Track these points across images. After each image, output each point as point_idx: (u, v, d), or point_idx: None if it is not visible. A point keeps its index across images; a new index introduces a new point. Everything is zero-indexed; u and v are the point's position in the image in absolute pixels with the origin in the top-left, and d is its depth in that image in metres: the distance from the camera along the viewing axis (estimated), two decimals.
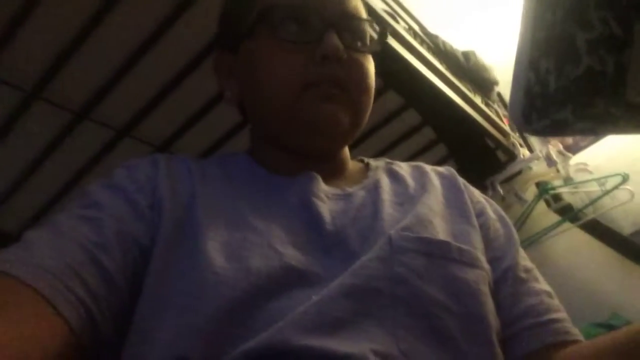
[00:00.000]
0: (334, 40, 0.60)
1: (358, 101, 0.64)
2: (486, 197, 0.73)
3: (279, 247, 0.53)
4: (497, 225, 0.68)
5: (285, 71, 0.61)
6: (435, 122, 2.16)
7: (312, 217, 0.58)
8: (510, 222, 0.70)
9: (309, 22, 0.61)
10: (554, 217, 2.27)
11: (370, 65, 0.66)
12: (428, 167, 0.73)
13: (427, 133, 2.29)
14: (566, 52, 0.28)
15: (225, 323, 0.47)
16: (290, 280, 0.51)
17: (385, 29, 0.68)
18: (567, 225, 2.24)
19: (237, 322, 0.47)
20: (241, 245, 0.53)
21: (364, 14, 0.66)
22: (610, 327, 1.77)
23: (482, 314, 0.54)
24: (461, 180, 0.72)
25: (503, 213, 0.71)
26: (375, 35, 0.71)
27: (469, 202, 0.67)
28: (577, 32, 0.27)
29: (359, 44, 0.65)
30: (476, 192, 0.72)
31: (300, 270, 0.52)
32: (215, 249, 0.52)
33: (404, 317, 0.50)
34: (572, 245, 2.21)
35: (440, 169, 0.73)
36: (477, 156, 2.27)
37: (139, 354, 0.48)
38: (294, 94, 0.60)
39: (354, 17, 0.65)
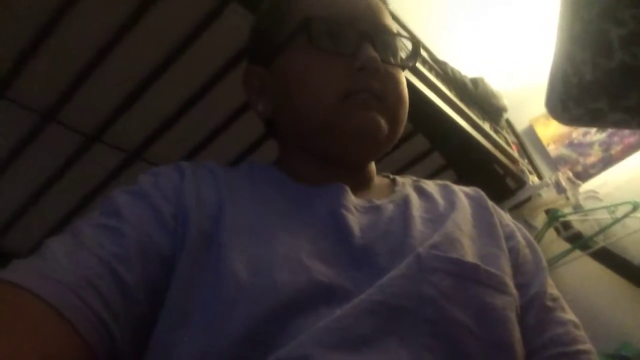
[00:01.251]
0: (371, 51, 0.61)
1: (395, 112, 0.64)
2: (515, 222, 0.71)
3: (306, 261, 0.52)
4: (526, 250, 0.66)
5: (325, 81, 0.61)
6: (444, 148, 2.16)
7: (340, 230, 0.57)
8: (538, 249, 0.68)
9: (344, 34, 0.63)
10: (564, 245, 2.26)
11: (404, 79, 0.67)
12: (456, 187, 0.72)
13: (436, 159, 2.30)
14: (601, 46, 0.29)
15: (250, 341, 0.46)
16: (317, 295, 0.50)
17: (418, 45, 0.69)
18: (577, 253, 2.22)
19: (261, 338, 0.47)
20: (268, 258, 0.52)
21: (395, 30, 0.67)
22: (621, 358, 1.74)
23: (508, 342, 0.53)
24: (490, 203, 0.71)
25: (532, 239, 0.70)
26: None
27: (498, 225, 0.66)
28: (611, 27, 0.28)
29: (392, 58, 0.66)
30: (505, 216, 0.71)
31: (328, 285, 0.51)
32: (241, 262, 0.51)
33: (428, 338, 0.49)
34: (582, 273, 2.19)
35: (468, 189, 0.72)
36: (486, 183, 2.27)
37: None
38: (334, 103, 0.61)
39: (387, 32, 0.66)
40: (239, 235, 0.54)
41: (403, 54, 0.70)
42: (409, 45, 0.71)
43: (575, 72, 0.31)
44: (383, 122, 0.62)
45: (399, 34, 0.68)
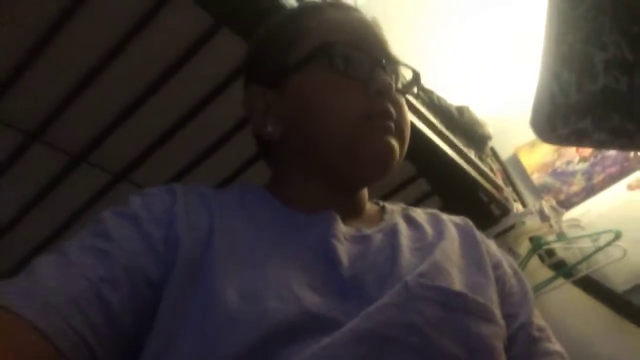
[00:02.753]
0: (385, 76, 0.64)
1: (403, 136, 0.66)
2: (501, 251, 0.72)
3: (296, 290, 0.52)
4: (513, 280, 0.67)
5: (347, 101, 0.63)
6: (429, 174, 2.18)
7: (330, 260, 0.58)
8: (525, 279, 0.69)
9: (359, 60, 0.65)
10: (548, 273, 2.27)
11: (406, 106, 0.69)
12: (444, 216, 0.73)
13: (422, 185, 2.31)
14: (585, 69, 0.30)
15: None
16: (307, 325, 0.50)
17: (418, 75, 0.72)
18: (560, 280, 2.23)
19: None
20: (258, 286, 0.52)
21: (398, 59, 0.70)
22: None
23: None
24: (478, 232, 0.71)
25: (518, 269, 0.70)
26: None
27: (485, 254, 0.66)
28: (595, 52, 0.30)
29: (398, 85, 0.69)
30: (492, 245, 0.72)
31: (318, 315, 0.51)
32: (231, 289, 0.51)
33: None
34: (566, 301, 2.20)
35: (456, 218, 0.73)
36: (471, 209, 2.28)
37: None
38: (353, 125, 0.62)
39: (393, 60, 0.69)
40: (229, 262, 0.54)
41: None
42: (408, 73, 0.74)
43: (561, 92, 0.32)
44: (397, 147, 0.64)
45: (403, 63, 0.70)
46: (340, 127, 0.62)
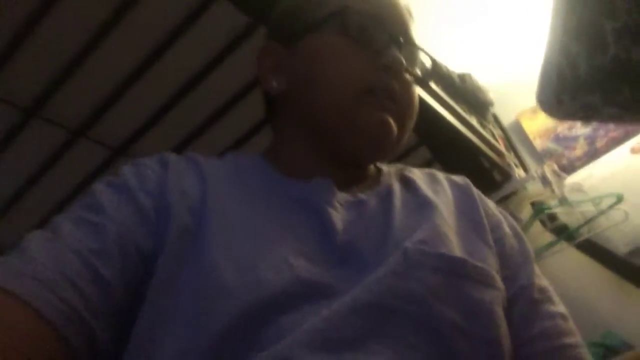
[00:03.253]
0: (398, 54, 0.63)
1: (405, 119, 0.65)
2: (501, 211, 0.71)
3: (290, 259, 0.51)
4: (513, 241, 0.66)
5: (350, 69, 0.62)
6: (431, 142, 2.17)
7: (324, 227, 0.57)
8: (525, 239, 0.68)
9: (376, 32, 0.63)
10: (550, 237, 2.28)
11: (417, 94, 0.67)
12: (442, 175, 0.72)
13: (423, 153, 2.31)
14: (595, 39, 0.29)
15: (231, 339, 0.46)
16: (301, 293, 0.49)
17: (436, 62, 0.70)
18: (562, 244, 2.24)
19: (244, 337, 0.46)
20: (251, 255, 0.51)
21: (418, 43, 0.68)
22: (604, 346, 1.77)
23: (496, 337, 0.53)
24: (476, 192, 0.70)
25: (518, 228, 0.69)
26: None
27: (483, 215, 0.65)
28: (605, 21, 0.28)
29: (413, 70, 0.67)
30: (491, 205, 0.70)
31: (313, 283, 0.50)
32: (223, 258, 0.50)
33: (414, 337, 0.48)
34: (568, 264, 2.21)
35: (456, 178, 0.72)
36: (473, 176, 2.27)
37: None
38: (351, 96, 0.61)
39: (413, 43, 0.68)
40: (222, 232, 0.53)
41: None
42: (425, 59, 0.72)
43: (569, 66, 0.31)
44: (395, 127, 0.62)
45: (422, 49, 0.69)
46: (338, 95, 0.61)
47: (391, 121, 0.62)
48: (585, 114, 0.32)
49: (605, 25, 0.29)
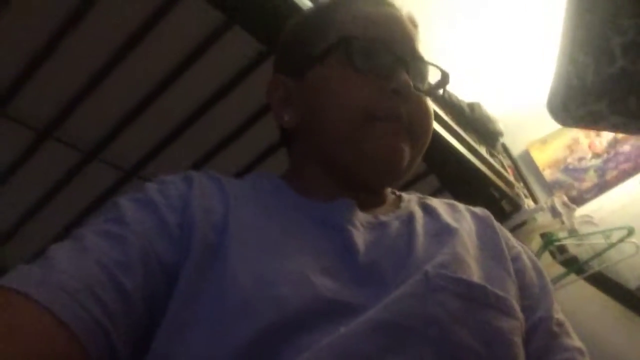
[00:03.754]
0: (406, 77, 0.62)
1: (418, 139, 0.64)
2: (520, 243, 0.70)
3: (311, 277, 0.51)
4: (532, 273, 0.66)
5: (353, 99, 0.61)
6: (440, 171, 2.17)
7: (346, 246, 0.57)
8: (544, 272, 0.67)
9: (381, 56, 0.63)
10: (559, 269, 2.26)
11: (432, 109, 0.67)
12: (462, 206, 0.72)
13: (432, 181, 2.31)
14: (603, 52, 0.30)
15: (251, 355, 0.46)
16: (321, 311, 0.49)
17: (447, 75, 0.70)
18: (572, 277, 2.22)
19: (264, 353, 0.46)
20: (273, 272, 0.51)
21: (425, 57, 0.68)
22: None
23: None
24: (497, 224, 0.70)
25: (538, 262, 0.69)
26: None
27: (504, 246, 0.65)
28: (613, 35, 0.29)
29: (421, 85, 0.66)
30: (511, 237, 0.70)
31: (333, 301, 0.50)
32: (245, 276, 0.50)
33: (432, 359, 0.48)
34: (578, 297, 2.18)
35: (475, 209, 0.72)
36: (482, 206, 2.27)
37: None
38: (359, 122, 0.61)
39: (420, 59, 0.67)
40: (244, 248, 0.54)
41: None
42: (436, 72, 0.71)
43: (577, 75, 0.31)
44: (407, 151, 0.62)
45: (431, 63, 0.68)
46: (345, 125, 0.61)
47: (401, 145, 0.62)
48: (592, 121, 0.33)
49: (613, 39, 0.29)
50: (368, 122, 0.61)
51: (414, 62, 0.65)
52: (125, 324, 0.47)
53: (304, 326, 0.48)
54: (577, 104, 0.32)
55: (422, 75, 0.67)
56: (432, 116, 0.67)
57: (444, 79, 0.70)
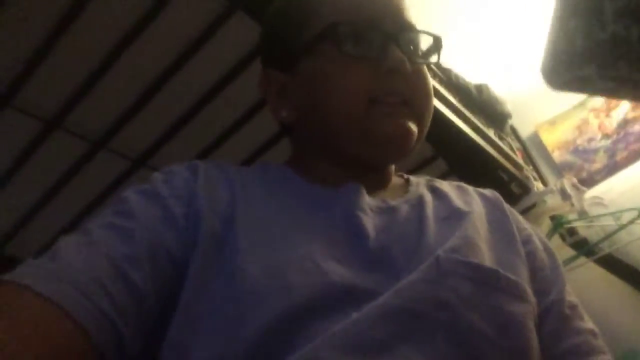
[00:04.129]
0: (398, 53, 0.61)
1: (422, 113, 0.63)
2: (531, 225, 0.70)
3: (321, 263, 0.51)
4: (543, 255, 0.65)
5: (351, 86, 0.60)
6: (448, 154, 2.16)
7: (355, 232, 0.56)
8: (556, 254, 0.67)
9: (370, 37, 0.62)
10: (569, 252, 2.25)
11: (429, 77, 0.66)
12: (471, 188, 0.71)
13: (440, 165, 2.30)
14: (594, 16, 0.29)
15: (263, 346, 0.46)
16: (333, 297, 0.49)
17: (440, 39, 0.68)
18: (582, 259, 2.21)
19: (277, 341, 0.46)
20: (282, 260, 0.51)
21: (417, 25, 0.66)
22: None
23: (526, 351, 0.52)
24: (507, 205, 0.69)
25: (549, 244, 0.68)
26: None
27: (515, 228, 0.65)
28: (605, 1, 0.28)
29: (418, 55, 0.65)
30: (522, 219, 0.69)
31: (344, 287, 0.50)
32: (254, 265, 0.50)
33: (444, 345, 0.48)
34: (588, 280, 2.18)
35: (485, 191, 0.71)
36: (491, 189, 2.26)
37: None
38: (361, 108, 0.60)
39: (411, 29, 0.65)
40: (252, 237, 0.53)
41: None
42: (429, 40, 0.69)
43: (567, 38, 0.31)
44: (413, 127, 0.61)
45: (422, 31, 0.66)
46: (348, 112, 0.60)
47: (408, 124, 0.61)
48: (581, 86, 0.32)
49: (605, 3, 0.29)
50: (371, 106, 0.60)
51: (404, 34, 0.63)
52: (134, 317, 0.47)
53: (316, 313, 0.48)
54: (565, 68, 0.32)
55: (415, 44, 0.65)
56: (431, 85, 0.66)
57: (437, 43, 0.68)
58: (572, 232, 2.33)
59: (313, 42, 0.63)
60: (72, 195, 2.15)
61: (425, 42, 0.68)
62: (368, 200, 0.61)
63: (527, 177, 2.26)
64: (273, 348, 0.46)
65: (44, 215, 2.22)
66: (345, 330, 0.46)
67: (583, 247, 2.26)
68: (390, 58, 0.60)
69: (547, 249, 0.66)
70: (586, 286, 2.15)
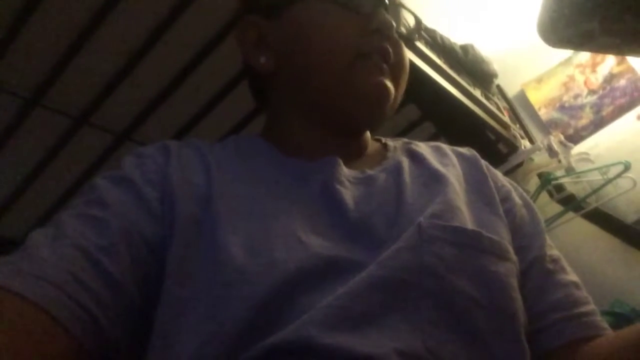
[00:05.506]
0: (387, 15, 0.62)
1: (399, 78, 0.64)
2: (510, 181, 0.69)
3: (303, 237, 0.51)
4: (523, 211, 0.65)
5: (340, 36, 0.60)
6: (435, 116, 2.15)
7: (335, 204, 0.56)
8: (536, 209, 0.67)
9: None
10: (557, 208, 2.27)
11: (406, 51, 0.66)
12: (448, 148, 0.71)
13: (428, 128, 2.30)
14: None
15: (252, 323, 0.45)
16: (318, 270, 0.49)
17: (420, 21, 0.69)
18: (570, 215, 2.23)
19: (265, 319, 0.46)
20: (263, 237, 0.50)
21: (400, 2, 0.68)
22: (614, 314, 1.78)
23: (511, 309, 0.52)
24: (484, 163, 0.69)
25: (528, 198, 0.68)
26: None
27: (493, 187, 0.64)
28: None
29: (399, 27, 0.66)
30: (500, 176, 0.69)
31: (328, 259, 0.50)
32: (235, 244, 0.49)
33: (431, 311, 0.48)
34: (576, 234, 2.21)
35: (462, 149, 0.71)
36: (478, 149, 2.25)
37: (163, 359, 0.47)
38: (346, 61, 0.60)
39: (398, 3, 0.67)
40: (231, 216, 0.52)
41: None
42: (410, 19, 0.71)
43: None
44: (391, 88, 0.61)
45: (406, 7, 0.68)
46: (332, 62, 0.60)
47: (388, 83, 0.61)
48: (581, 42, 0.30)
49: None
50: (356, 59, 0.60)
51: (391, 5, 0.64)
52: (115, 307, 0.46)
53: (302, 288, 0.48)
54: (565, 23, 0.30)
55: (397, 20, 0.66)
56: (408, 61, 0.66)
57: (418, 24, 0.70)
58: (559, 188, 2.35)
59: None
60: (57, 173, 2.13)
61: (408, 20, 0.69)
62: (345, 172, 0.60)
63: (514, 136, 2.26)
64: (262, 325, 0.46)
65: (29, 193, 2.20)
66: (331, 304, 0.46)
67: (571, 202, 2.28)
68: (378, 18, 0.61)
69: (526, 204, 0.66)
70: (575, 241, 2.18)
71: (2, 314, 0.42)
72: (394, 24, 0.62)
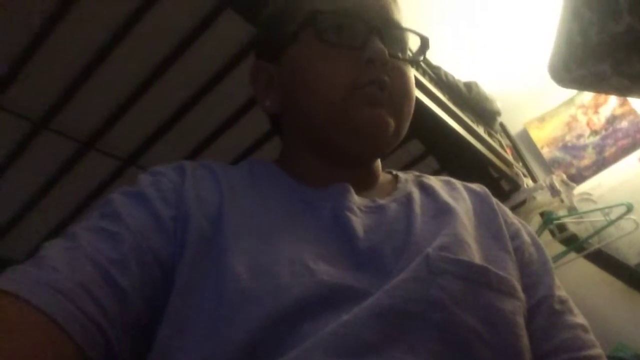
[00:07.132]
0: (379, 44, 0.61)
1: (401, 108, 0.63)
2: (519, 219, 0.69)
3: (310, 264, 0.51)
4: (532, 249, 0.65)
5: (332, 74, 0.61)
6: (438, 152, 2.16)
7: (345, 232, 0.56)
8: (544, 248, 0.66)
9: (352, 28, 0.62)
10: (559, 247, 2.26)
11: (412, 75, 0.66)
12: (459, 183, 0.71)
13: (431, 163, 2.30)
14: (610, 9, 0.28)
15: (253, 348, 0.45)
16: (323, 298, 0.49)
17: (426, 40, 0.67)
18: (572, 255, 2.22)
19: (266, 344, 0.46)
20: (270, 261, 0.51)
21: (404, 24, 0.66)
22: (617, 359, 1.75)
23: (517, 347, 0.52)
24: (495, 200, 0.69)
25: (537, 238, 0.68)
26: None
27: (502, 224, 0.64)
28: None
29: (401, 53, 0.65)
30: (510, 213, 0.69)
31: (334, 287, 0.50)
32: (242, 266, 0.50)
33: (435, 344, 0.48)
34: (578, 275, 2.19)
35: (473, 186, 0.71)
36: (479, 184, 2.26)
37: None
38: (341, 97, 0.60)
39: (396, 26, 0.65)
40: (240, 239, 0.53)
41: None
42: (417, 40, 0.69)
43: (581, 32, 0.30)
44: (390, 120, 0.61)
45: (407, 29, 0.67)
46: (328, 99, 0.60)
47: (383, 113, 0.61)
48: (592, 83, 0.31)
49: None
50: (350, 93, 0.60)
51: (388, 30, 0.63)
52: (122, 321, 0.47)
53: (306, 314, 0.47)
54: (578, 64, 0.31)
55: (400, 42, 0.65)
56: (413, 82, 0.65)
57: (424, 44, 0.68)
58: (561, 228, 2.34)
59: (296, 31, 0.64)
60: (62, 196, 2.14)
61: (414, 43, 0.68)
62: (356, 200, 0.61)
63: (517, 174, 2.27)
64: (263, 350, 0.46)
65: (34, 216, 2.20)
66: (336, 332, 0.46)
67: (573, 242, 2.27)
68: (369, 48, 0.60)
69: (535, 243, 0.66)
70: (576, 282, 2.16)
71: (10, 320, 0.42)
72: (388, 51, 0.61)
